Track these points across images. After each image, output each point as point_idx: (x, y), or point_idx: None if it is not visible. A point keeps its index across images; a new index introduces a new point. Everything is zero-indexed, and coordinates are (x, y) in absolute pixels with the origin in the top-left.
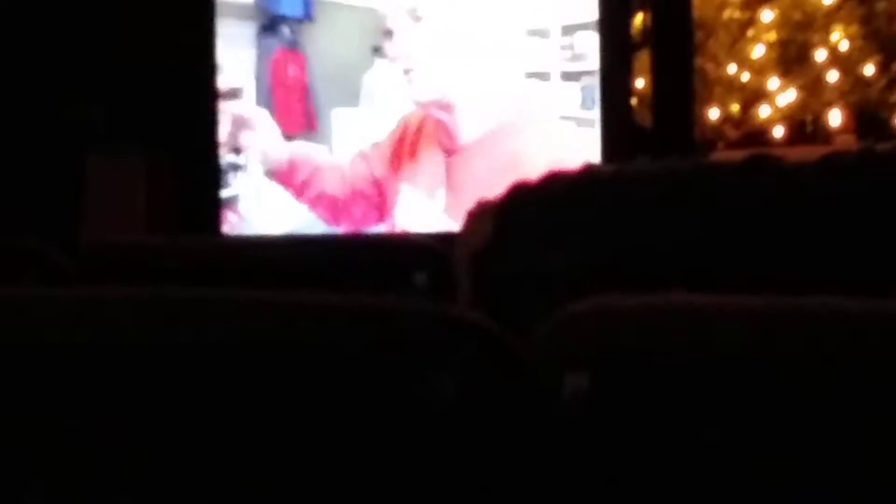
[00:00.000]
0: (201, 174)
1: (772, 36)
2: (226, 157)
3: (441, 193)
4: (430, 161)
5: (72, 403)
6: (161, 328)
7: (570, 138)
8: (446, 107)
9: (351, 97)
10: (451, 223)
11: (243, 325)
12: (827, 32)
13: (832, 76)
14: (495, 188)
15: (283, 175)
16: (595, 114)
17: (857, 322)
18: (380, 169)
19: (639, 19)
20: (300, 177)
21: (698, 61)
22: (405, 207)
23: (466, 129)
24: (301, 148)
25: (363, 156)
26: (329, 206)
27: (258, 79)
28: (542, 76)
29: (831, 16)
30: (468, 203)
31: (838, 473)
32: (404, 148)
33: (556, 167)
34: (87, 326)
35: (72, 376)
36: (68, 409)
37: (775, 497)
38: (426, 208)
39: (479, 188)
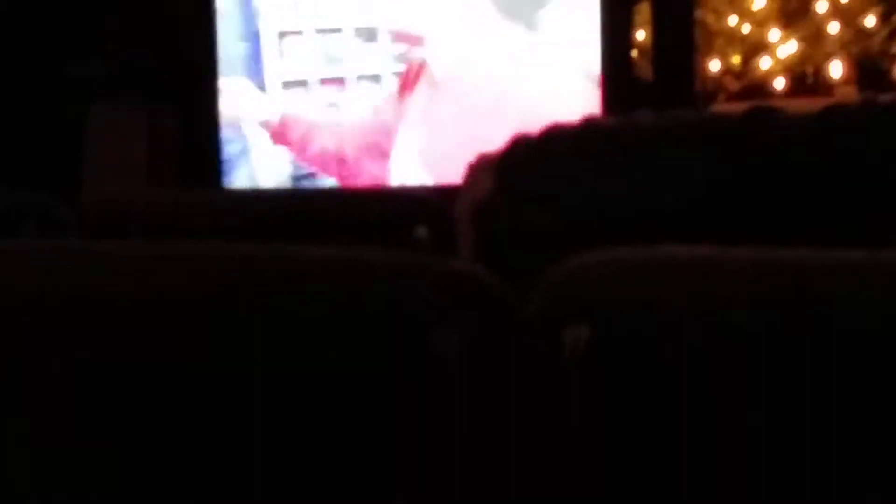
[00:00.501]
0: (202, 128)
1: None
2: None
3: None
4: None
5: (76, 358)
6: (164, 283)
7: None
8: (416, 40)
9: None
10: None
11: (244, 279)
12: None
13: (833, 28)
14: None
15: (278, 134)
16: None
17: (858, 273)
18: (390, 118)
19: None
20: (295, 135)
21: (699, 13)
22: (403, 154)
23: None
24: (294, 104)
25: (375, 108)
26: (335, 162)
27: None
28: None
29: None
30: (442, 145)
31: (839, 423)
32: (404, 93)
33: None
34: (90, 281)
35: (74, 331)
36: (73, 363)
37: (776, 447)
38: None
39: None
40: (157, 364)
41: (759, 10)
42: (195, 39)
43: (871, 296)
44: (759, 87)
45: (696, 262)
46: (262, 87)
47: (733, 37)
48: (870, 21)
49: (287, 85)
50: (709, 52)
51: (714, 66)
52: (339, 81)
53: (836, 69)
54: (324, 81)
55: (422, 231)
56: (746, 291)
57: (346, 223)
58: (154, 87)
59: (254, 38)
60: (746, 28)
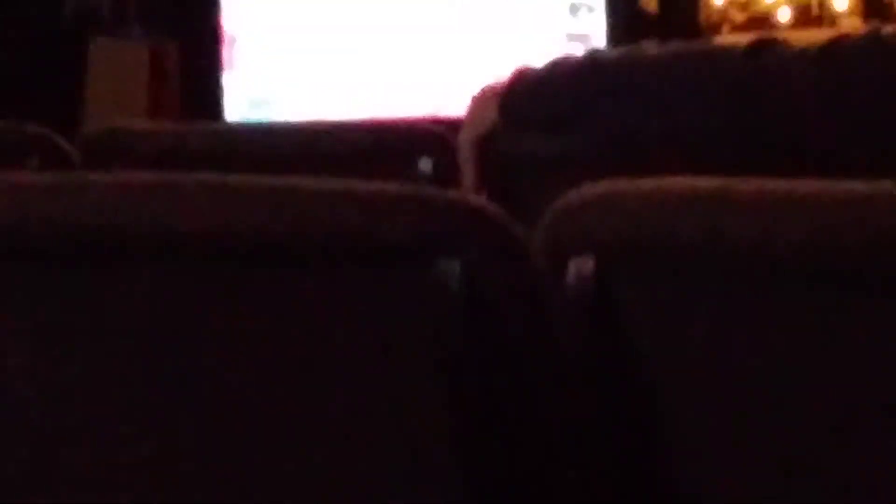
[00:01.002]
0: (205, 60)
1: None
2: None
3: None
4: None
5: (81, 292)
6: (167, 214)
7: None
8: None
9: None
10: None
11: (248, 211)
12: None
13: None
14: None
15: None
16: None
17: (864, 203)
18: None
19: None
20: None
21: None
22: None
23: None
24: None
25: None
26: None
27: None
28: None
29: None
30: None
31: (835, 361)
32: None
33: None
34: (93, 212)
35: (78, 264)
36: (78, 296)
37: (777, 383)
38: None
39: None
40: (160, 297)
41: None
42: None
43: (875, 227)
44: (763, 19)
45: (703, 192)
46: None
47: None
48: None
49: None
50: None
51: None
52: None
53: (841, 1)
54: None
55: (425, 163)
56: (754, 223)
57: (349, 155)
58: (155, 19)
59: None
60: None
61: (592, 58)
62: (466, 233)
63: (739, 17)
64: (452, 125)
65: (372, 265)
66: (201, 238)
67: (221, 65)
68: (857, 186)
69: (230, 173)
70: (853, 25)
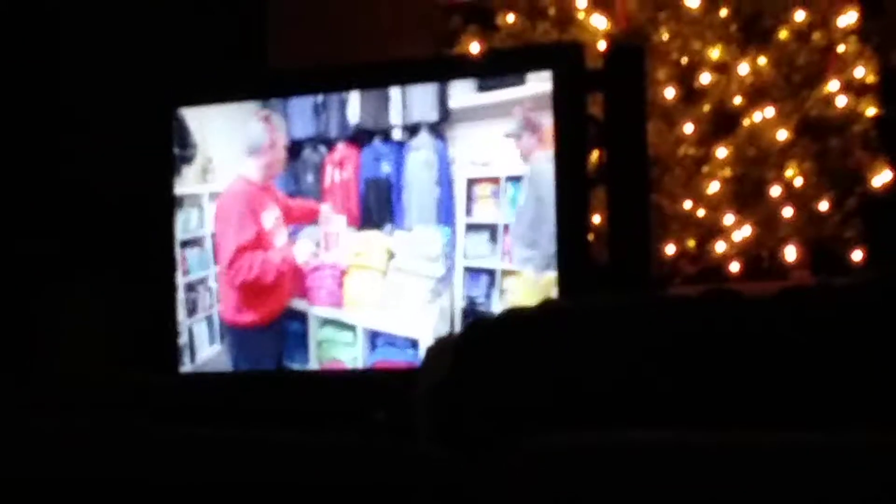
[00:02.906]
0: (158, 306)
1: (727, 172)
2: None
3: None
4: None
5: None
6: (117, 465)
7: None
8: None
9: None
10: None
11: (212, 464)
12: (781, 168)
13: (787, 212)
14: None
15: None
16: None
17: (820, 456)
18: None
19: (595, 155)
20: None
21: (654, 197)
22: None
23: None
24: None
25: None
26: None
27: None
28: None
29: (785, 152)
30: None
31: None
32: None
33: None
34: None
35: None
36: None
37: None
38: None
39: None
40: None
41: (714, 195)
42: (157, 218)
43: (835, 481)
44: (714, 271)
45: (656, 446)
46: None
47: (689, 221)
48: (823, 206)
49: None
50: (664, 236)
51: (670, 249)
52: None
53: (790, 253)
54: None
55: (380, 414)
56: (706, 478)
57: (306, 407)
58: (107, 265)
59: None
60: (701, 212)
61: (545, 309)
62: (419, 484)
63: (690, 269)
64: (404, 374)
65: None
66: (161, 491)
67: (175, 309)
68: (813, 438)
69: (186, 425)
70: (803, 278)
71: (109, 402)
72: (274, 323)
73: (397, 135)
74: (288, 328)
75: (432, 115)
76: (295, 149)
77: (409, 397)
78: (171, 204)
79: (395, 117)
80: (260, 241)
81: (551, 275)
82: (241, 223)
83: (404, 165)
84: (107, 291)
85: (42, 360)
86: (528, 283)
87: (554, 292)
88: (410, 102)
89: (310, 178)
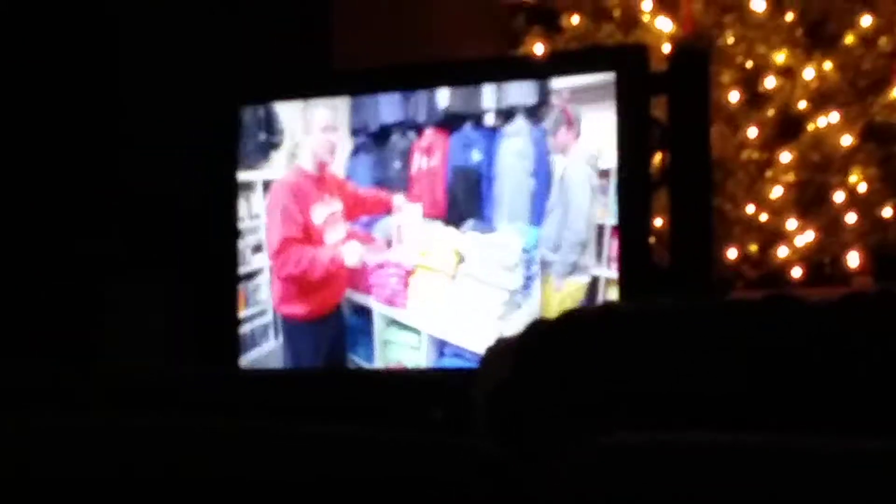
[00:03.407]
0: (220, 303)
1: (790, 177)
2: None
3: None
4: None
5: None
6: (174, 460)
7: None
8: None
9: None
10: None
11: (264, 458)
12: (845, 174)
13: (850, 218)
14: None
15: None
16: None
17: (877, 463)
18: None
19: (657, 159)
20: None
21: (717, 201)
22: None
23: None
24: None
25: None
26: None
27: None
28: None
29: (849, 158)
30: None
31: None
32: None
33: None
34: (107, 456)
35: None
36: None
37: None
38: None
39: None
40: None
41: (777, 199)
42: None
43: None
44: (776, 276)
45: (716, 449)
46: None
47: (751, 225)
48: (887, 212)
49: None
50: (726, 240)
51: (732, 254)
52: None
53: (853, 259)
54: None
55: (437, 412)
56: (766, 481)
57: (363, 404)
58: (171, 262)
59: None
60: (764, 217)
61: (607, 311)
62: (478, 483)
63: (752, 273)
64: (463, 375)
65: None
66: (216, 483)
67: (236, 307)
68: (871, 445)
69: (242, 420)
70: (865, 284)
71: (167, 396)
72: (331, 317)
73: (490, 120)
74: (350, 323)
75: (530, 99)
76: (382, 135)
77: (468, 397)
78: (233, 198)
79: (489, 100)
80: (308, 236)
81: (572, 281)
82: (287, 215)
83: (496, 154)
84: (168, 289)
85: (104, 358)
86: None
87: (578, 301)
88: (506, 85)
89: (397, 165)
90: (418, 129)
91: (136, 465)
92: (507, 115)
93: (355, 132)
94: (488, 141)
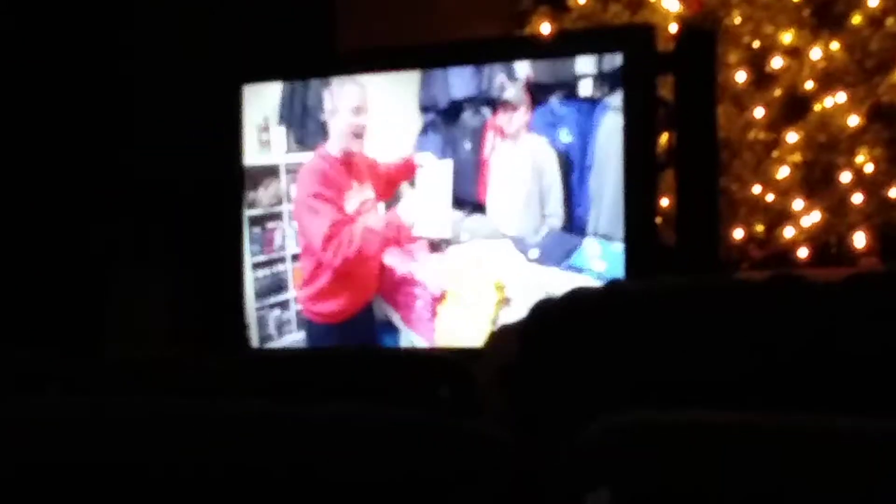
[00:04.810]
0: (226, 288)
1: (797, 157)
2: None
3: None
4: None
5: None
6: (181, 446)
7: None
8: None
9: None
10: None
11: (268, 442)
12: (852, 154)
13: (857, 198)
14: None
15: None
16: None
17: (882, 441)
18: None
19: (664, 138)
20: None
21: (723, 181)
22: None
23: None
24: None
25: None
26: None
27: None
28: None
29: (856, 138)
30: None
31: None
32: None
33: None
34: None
35: (93, 490)
36: None
37: None
38: None
39: None
40: None
41: (783, 180)
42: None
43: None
44: (782, 256)
45: (721, 428)
46: None
47: (757, 205)
48: (893, 192)
49: None
50: (733, 221)
51: (738, 234)
52: None
53: (859, 240)
54: None
55: (444, 390)
56: (770, 458)
57: (368, 384)
58: (177, 249)
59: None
60: (770, 197)
61: (612, 290)
62: (486, 463)
63: (758, 253)
64: (468, 355)
65: (392, 492)
66: (222, 468)
67: (242, 291)
68: (884, 425)
69: (249, 403)
70: (871, 264)
71: (178, 382)
72: (358, 320)
73: (586, 89)
74: (381, 338)
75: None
76: (452, 111)
77: (474, 376)
78: (239, 181)
79: (584, 65)
80: (342, 224)
81: None
82: (325, 200)
83: (593, 134)
84: (177, 274)
85: (113, 343)
86: None
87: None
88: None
89: (467, 146)
90: (493, 105)
91: (141, 450)
92: (611, 80)
93: (424, 109)
94: (585, 117)
